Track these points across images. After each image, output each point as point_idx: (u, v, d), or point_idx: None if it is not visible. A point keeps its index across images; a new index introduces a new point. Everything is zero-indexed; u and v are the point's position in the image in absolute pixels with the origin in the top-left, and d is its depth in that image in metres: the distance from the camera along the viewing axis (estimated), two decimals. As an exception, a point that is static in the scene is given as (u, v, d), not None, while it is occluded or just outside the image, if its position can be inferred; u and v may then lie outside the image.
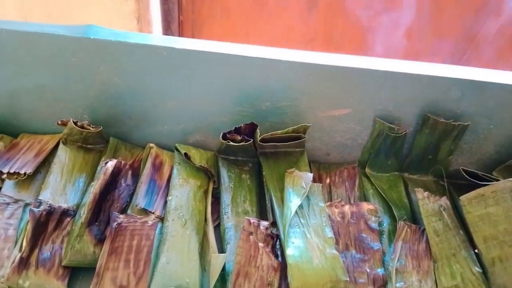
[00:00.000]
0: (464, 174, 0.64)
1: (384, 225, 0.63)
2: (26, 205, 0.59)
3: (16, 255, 0.52)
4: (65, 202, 0.60)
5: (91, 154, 0.67)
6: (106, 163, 0.61)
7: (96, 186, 0.58)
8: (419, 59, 0.63)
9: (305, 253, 0.53)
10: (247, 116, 0.66)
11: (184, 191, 0.62)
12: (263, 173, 0.65)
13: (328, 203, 0.62)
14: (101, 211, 0.59)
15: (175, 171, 0.64)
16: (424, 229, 0.60)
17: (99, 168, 0.63)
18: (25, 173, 0.61)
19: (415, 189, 0.62)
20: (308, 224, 0.56)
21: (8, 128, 0.70)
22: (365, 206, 0.61)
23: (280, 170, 0.65)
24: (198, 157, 0.66)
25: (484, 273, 0.56)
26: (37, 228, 0.54)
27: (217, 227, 0.62)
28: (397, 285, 0.55)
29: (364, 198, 0.67)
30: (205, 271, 0.55)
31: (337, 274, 0.52)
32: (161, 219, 0.59)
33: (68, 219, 0.58)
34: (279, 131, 0.65)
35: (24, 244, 0.53)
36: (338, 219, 0.60)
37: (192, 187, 0.63)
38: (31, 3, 1.07)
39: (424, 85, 0.61)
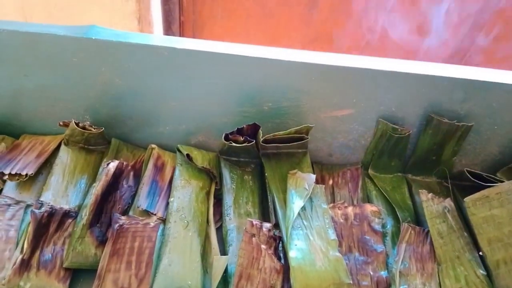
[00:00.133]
0: (469, 176, 0.63)
1: (388, 227, 0.62)
2: (28, 206, 0.59)
3: (17, 256, 0.52)
4: (66, 203, 0.60)
5: (93, 155, 0.67)
6: (108, 164, 0.60)
7: (98, 188, 0.58)
8: (422, 60, 0.63)
9: (308, 255, 0.53)
10: (249, 116, 0.66)
11: (186, 193, 0.61)
12: (266, 174, 0.65)
13: (331, 204, 0.62)
14: (102, 212, 0.59)
15: (177, 172, 0.64)
16: (428, 231, 0.59)
17: (100, 169, 0.63)
18: (26, 174, 0.60)
19: (419, 190, 0.62)
20: (311, 226, 0.56)
21: (10, 129, 0.69)
22: (369, 208, 0.61)
23: (282, 171, 0.65)
24: (200, 158, 0.66)
25: (489, 275, 0.55)
26: (39, 230, 0.54)
27: (219, 229, 0.62)
28: (401, 287, 0.55)
29: (367, 199, 0.67)
30: (207, 273, 0.55)
31: (340, 276, 0.51)
32: (163, 220, 0.59)
33: (70, 220, 0.57)
34: (282, 132, 0.64)
35: (25, 245, 0.53)
36: (341, 220, 0.60)
37: (194, 188, 0.63)
38: (32, 4, 1.07)
39: (428, 85, 0.61)
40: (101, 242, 0.56)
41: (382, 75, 0.60)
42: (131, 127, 0.69)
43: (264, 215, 0.64)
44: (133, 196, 0.62)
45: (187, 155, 0.64)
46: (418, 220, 0.64)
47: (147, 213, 0.60)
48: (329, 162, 0.71)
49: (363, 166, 0.70)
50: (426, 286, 0.55)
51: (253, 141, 0.64)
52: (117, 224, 0.55)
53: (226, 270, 0.55)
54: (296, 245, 0.54)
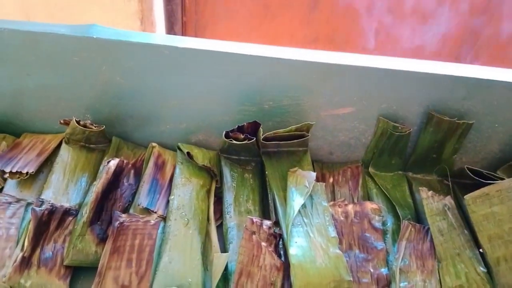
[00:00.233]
0: (469, 173, 0.63)
1: (388, 224, 0.62)
2: (28, 204, 0.59)
3: (18, 254, 0.52)
4: (67, 201, 0.60)
5: (94, 154, 0.67)
6: (108, 162, 0.61)
7: (98, 185, 0.58)
8: (422, 58, 0.63)
9: (308, 252, 0.53)
10: (250, 115, 0.66)
11: (186, 191, 0.62)
12: (266, 172, 0.65)
13: (332, 202, 0.62)
14: (103, 210, 0.59)
15: (177, 170, 0.64)
16: (428, 228, 0.59)
17: (101, 167, 0.63)
18: (27, 173, 0.61)
19: (420, 188, 0.62)
20: (311, 223, 0.56)
21: (11, 127, 0.69)
22: (369, 206, 0.61)
23: (283, 169, 0.65)
24: (201, 157, 0.66)
25: (489, 272, 0.55)
26: (39, 228, 0.54)
27: (220, 227, 0.62)
28: (401, 285, 0.55)
29: (368, 197, 0.66)
30: (207, 270, 0.55)
31: (341, 273, 0.51)
32: (164, 218, 0.59)
33: (70, 218, 0.58)
34: (282, 130, 0.64)
35: (26, 243, 0.53)
36: (342, 218, 0.60)
37: (194, 186, 0.63)
38: (33, 3, 1.07)
39: (428, 83, 0.61)
40: (102, 240, 0.56)
41: (383, 74, 0.60)
42: (132, 125, 0.69)
43: (265, 213, 0.64)
44: (134, 194, 0.63)
45: (188, 153, 0.64)
46: (418, 217, 0.64)
47: (147, 211, 0.60)
48: (330, 160, 0.71)
49: (363, 164, 0.70)
50: (426, 283, 0.55)
51: (253, 138, 0.64)
52: (118, 222, 0.56)
53: (226, 268, 0.55)
54: (296, 242, 0.54)
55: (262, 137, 0.64)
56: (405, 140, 0.66)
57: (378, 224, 0.59)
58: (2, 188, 0.61)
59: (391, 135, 0.65)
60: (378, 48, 1.18)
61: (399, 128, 0.64)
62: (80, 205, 0.60)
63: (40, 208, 0.55)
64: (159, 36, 0.62)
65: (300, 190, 0.59)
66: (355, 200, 0.65)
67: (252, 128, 0.65)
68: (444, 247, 0.57)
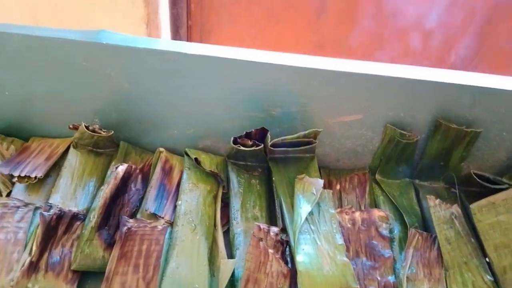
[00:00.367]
0: (476, 178, 0.63)
1: (395, 232, 0.62)
2: (36, 208, 0.59)
3: (26, 258, 0.52)
4: (75, 206, 0.60)
5: (101, 158, 0.67)
6: (117, 167, 0.61)
7: (106, 191, 0.58)
8: (429, 65, 0.63)
9: (315, 260, 0.53)
10: (257, 121, 0.66)
11: (194, 196, 0.62)
12: (273, 178, 0.65)
13: (339, 209, 0.62)
14: (111, 215, 0.59)
15: (185, 175, 0.64)
16: (436, 236, 0.59)
17: (109, 172, 0.63)
18: (35, 177, 0.61)
19: (427, 196, 0.62)
20: (319, 230, 0.56)
21: (19, 131, 0.70)
22: (376, 213, 0.61)
23: (290, 175, 0.65)
24: (208, 162, 0.66)
25: (496, 281, 0.55)
26: (47, 232, 0.54)
27: (226, 233, 0.62)
28: (408, 293, 0.55)
29: (375, 204, 0.66)
30: (214, 276, 0.55)
31: (348, 281, 0.51)
32: (171, 223, 0.59)
33: (78, 223, 0.58)
34: (290, 136, 0.64)
35: (34, 247, 0.53)
36: (349, 225, 0.60)
37: (202, 192, 0.63)
38: (41, 8, 1.08)
39: (436, 91, 0.61)
40: (109, 245, 0.57)
41: (391, 81, 0.60)
42: (139, 130, 0.69)
43: (271, 219, 0.64)
44: (141, 199, 0.63)
45: (196, 159, 0.65)
46: (425, 225, 0.63)
47: (155, 216, 0.60)
48: (337, 167, 0.71)
49: (370, 171, 0.70)
50: (434, 292, 0.55)
51: (261, 145, 0.64)
52: (125, 227, 0.56)
53: (233, 274, 0.55)
54: (303, 249, 0.54)
55: (270, 143, 0.64)
56: (413, 148, 0.66)
57: (385, 232, 0.59)
58: (10, 192, 0.61)
59: (398, 142, 0.65)
60: (385, 54, 1.18)
61: (407, 135, 0.64)
62: (88, 210, 0.60)
63: (48, 213, 0.55)
64: (167, 42, 0.62)
65: (307, 198, 0.59)
66: (362, 207, 0.65)
67: (260, 135, 0.65)
68: (452, 255, 0.57)
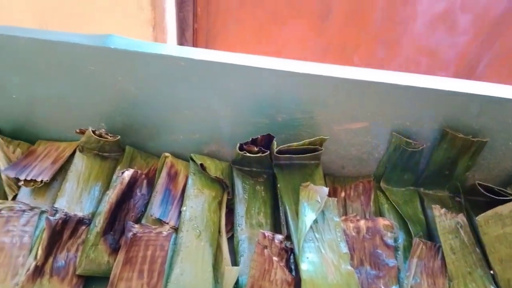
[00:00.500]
0: (480, 189, 0.63)
1: (399, 240, 0.62)
2: (42, 212, 0.59)
3: (31, 263, 0.52)
4: (80, 210, 0.60)
5: (107, 162, 0.68)
6: (122, 172, 0.61)
7: (112, 196, 0.58)
8: (434, 72, 0.63)
9: (319, 268, 0.53)
10: (263, 127, 0.66)
11: (198, 202, 0.62)
12: (278, 185, 0.65)
13: (343, 217, 0.62)
14: (116, 220, 0.59)
15: (190, 181, 0.64)
16: (440, 246, 0.59)
17: (115, 177, 0.63)
18: (41, 181, 0.61)
19: (432, 206, 0.61)
20: (323, 239, 0.56)
21: (26, 134, 0.70)
22: (381, 222, 0.61)
23: (295, 182, 0.65)
24: (213, 168, 0.66)
25: (501, 293, 0.55)
26: (53, 237, 0.55)
27: (230, 239, 0.62)
28: (412, 303, 0.54)
29: (380, 212, 0.66)
30: (218, 283, 0.55)
31: (352, 290, 0.51)
32: (176, 229, 0.59)
33: (83, 227, 0.58)
34: (296, 143, 0.64)
35: (40, 252, 0.53)
36: (353, 234, 0.60)
37: (207, 197, 0.63)
38: (47, 11, 1.08)
39: (443, 100, 0.61)
40: (114, 250, 0.57)
41: (398, 89, 0.60)
42: (145, 135, 0.69)
43: (276, 226, 0.64)
44: (146, 204, 0.63)
45: (201, 165, 0.65)
46: (430, 234, 0.63)
47: (159, 222, 0.60)
48: (342, 174, 0.71)
49: (375, 179, 0.70)
50: (438, 302, 0.54)
51: (267, 151, 0.64)
52: (131, 233, 0.56)
53: (237, 281, 0.55)
54: (308, 257, 0.54)
55: (275, 150, 0.64)
56: (418, 156, 0.66)
57: (390, 241, 0.59)
58: (16, 195, 0.61)
59: (404, 151, 0.65)
60: (391, 61, 1.18)
61: (412, 144, 0.64)
62: (93, 214, 0.60)
63: (54, 217, 0.55)
64: (174, 47, 0.62)
65: (312, 206, 0.59)
66: (367, 215, 0.65)
67: (266, 141, 0.65)
68: (456, 265, 0.57)
